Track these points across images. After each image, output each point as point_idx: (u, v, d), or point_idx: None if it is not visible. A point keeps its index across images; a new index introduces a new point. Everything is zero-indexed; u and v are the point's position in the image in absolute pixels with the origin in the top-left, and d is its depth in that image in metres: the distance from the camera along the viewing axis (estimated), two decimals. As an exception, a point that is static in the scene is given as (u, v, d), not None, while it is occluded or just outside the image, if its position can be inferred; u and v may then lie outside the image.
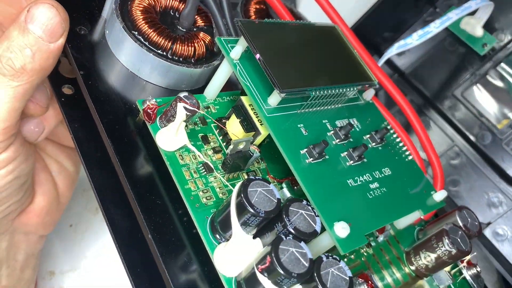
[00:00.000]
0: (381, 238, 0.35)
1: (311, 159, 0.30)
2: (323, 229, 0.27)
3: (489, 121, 0.47)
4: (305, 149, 0.30)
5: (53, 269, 0.48)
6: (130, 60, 0.34)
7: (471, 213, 0.36)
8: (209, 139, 0.32)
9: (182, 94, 0.30)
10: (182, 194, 0.29)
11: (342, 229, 0.27)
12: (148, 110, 0.31)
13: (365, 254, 0.34)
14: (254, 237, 0.26)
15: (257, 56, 0.30)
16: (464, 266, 0.37)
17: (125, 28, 0.33)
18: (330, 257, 0.26)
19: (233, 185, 0.29)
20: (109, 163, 0.30)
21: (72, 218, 0.49)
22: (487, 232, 0.43)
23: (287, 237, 0.25)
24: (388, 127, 0.36)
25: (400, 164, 0.35)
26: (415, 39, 0.43)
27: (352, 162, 0.32)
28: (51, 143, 0.41)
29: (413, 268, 0.35)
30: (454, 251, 0.32)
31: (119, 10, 0.34)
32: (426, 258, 0.34)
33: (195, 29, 0.37)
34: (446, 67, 0.50)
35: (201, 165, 0.31)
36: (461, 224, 0.34)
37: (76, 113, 0.34)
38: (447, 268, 0.36)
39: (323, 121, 0.33)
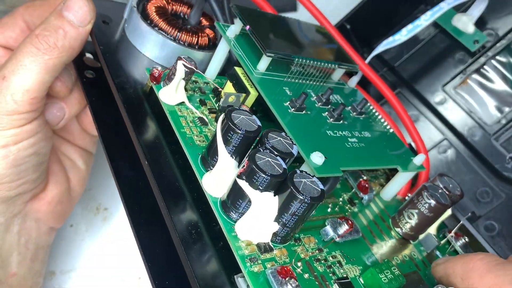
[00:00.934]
0: (365, 198, 0.37)
1: (293, 109, 0.34)
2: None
3: (479, 117, 0.48)
4: (288, 102, 0.34)
5: (54, 269, 0.49)
6: (142, 43, 0.40)
7: (452, 180, 0.37)
8: (206, 102, 0.37)
9: (182, 56, 0.35)
10: (178, 135, 0.33)
11: (318, 157, 0.30)
12: (154, 74, 0.36)
13: (349, 210, 0.36)
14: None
15: (247, 27, 0.35)
16: (452, 236, 0.38)
17: (140, 17, 0.39)
18: (305, 172, 0.28)
19: None
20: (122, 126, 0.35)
21: (73, 218, 0.50)
22: (479, 225, 0.44)
23: (265, 150, 0.28)
24: (371, 107, 0.40)
25: (380, 133, 0.38)
26: (403, 35, 0.47)
27: (332, 120, 0.35)
28: (65, 142, 0.45)
29: (398, 230, 0.36)
30: (433, 202, 0.34)
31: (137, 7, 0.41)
32: (410, 216, 0.35)
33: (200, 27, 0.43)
34: (437, 62, 0.51)
35: (197, 118, 0.35)
36: (441, 186, 0.36)
37: (95, 90, 0.40)
38: (433, 232, 0.38)
39: (308, 90, 0.37)
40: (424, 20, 0.46)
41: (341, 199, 0.36)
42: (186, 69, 0.34)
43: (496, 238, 0.43)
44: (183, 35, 0.40)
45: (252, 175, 0.27)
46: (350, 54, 0.42)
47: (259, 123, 0.30)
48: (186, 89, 0.36)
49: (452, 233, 0.38)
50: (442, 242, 0.38)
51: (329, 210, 0.35)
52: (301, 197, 0.26)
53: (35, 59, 0.35)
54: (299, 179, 0.27)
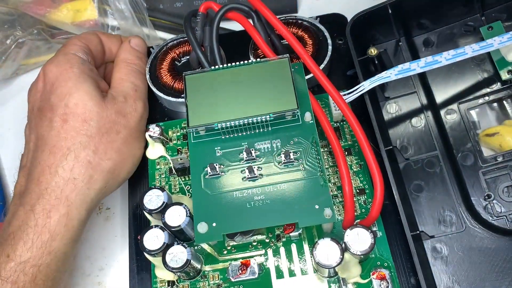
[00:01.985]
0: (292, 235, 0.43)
1: (209, 175, 0.43)
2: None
3: (479, 146, 0.45)
4: (207, 167, 0.43)
5: None
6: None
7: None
8: (182, 151, 0.49)
9: (150, 126, 0.48)
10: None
11: (201, 227, 0.40)
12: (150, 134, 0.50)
13: (273, 246, 0.44)
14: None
15: (186, 102, 0.44)
16: (374, 278, 0.41)
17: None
18: (180, 244, 0.40)
19: (185, 183, 0.47)
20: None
21: None
22: (427, 245, 0.42)
23: (156, 226, 0.41)
24: (314, 145, 0.43)
25: (305, 180, 0.42)
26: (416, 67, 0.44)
27: (248, 176, 0.42)
28: None
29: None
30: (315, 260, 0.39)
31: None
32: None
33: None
34: (464, 77, 0.48)
35: (168, 169, 0.48)
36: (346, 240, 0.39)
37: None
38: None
39: (242, 144, 0.44)
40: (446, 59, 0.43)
41: (270, 235, 0.44)
42: (151, 138, 0.47)
43: (438, 260, 0.42)
44: (177, 83, 0.51)
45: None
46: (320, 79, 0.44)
47: (165, 200, 0.42)
48: (166, 141, 0.49)
49: (376, 275, 0.41)
50: (365, 281, 0.41)
51: (250, 247, 0.44)
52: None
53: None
54: (170, 251, 0.40)
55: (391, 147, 0.46)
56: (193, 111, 0.44)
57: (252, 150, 0.43)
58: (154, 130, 0.48)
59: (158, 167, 0.49)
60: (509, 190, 0.44)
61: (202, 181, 0.43)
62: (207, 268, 0.44)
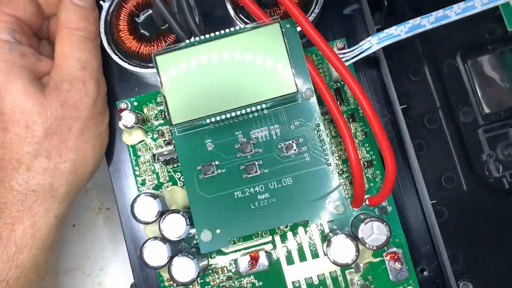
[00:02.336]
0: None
1: (203, 175, 0.38)
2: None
3: (480, 101, 0.43)
4: (200, 166, 0.38)
5: (56, 269, 0.49)
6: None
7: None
8: (164, 132, 0.43)
9: (123, 113, 0.41)
10: (133, 177, 0.43)
11: (205, 235, 0.37)
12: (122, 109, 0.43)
13: (280, 232, 0.42)
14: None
15: (162, 91, 0.37)
16: (387, 259, 0.40)
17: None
18: (185, 256, 0.37)
19: (175, 171, 0.42)
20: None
21: (75, 218, 0.50)
22: (429, 211, 0.41)
23: (155, 238, 0.38)
24: (317, 129, 0.38)
25: (311, 171, 0.38)
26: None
27: (247, 175, 0.38)
28: None
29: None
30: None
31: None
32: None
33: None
34: (466, 25, 0.43)
35: (152, 155, 0.43)
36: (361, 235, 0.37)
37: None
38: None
39: (236, 133, 0.38)
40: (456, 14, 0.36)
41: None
42: (126, 128, 0.41)
43: (443, 225, 0.41)
44: (143, 47, 0.42)
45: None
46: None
47: (159, 208, 0.38)
48: (144, 123, 0.43)
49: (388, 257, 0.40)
50: (377, 259, 0.41)
51: (255, 235, 0.42)
52: None
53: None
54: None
55: (404, 105, 0.42)
56: (174, 105, 0.37)
57: (249, 141, 0.38)
58: (128, 118, 0.41)
59: (139, 153, 0.43)
60: (510, 149, 0.42)
61: (196, 184, 0.38)
62: (214, 261, 0.42)
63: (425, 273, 0.41)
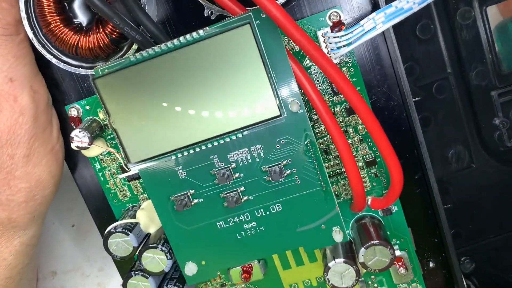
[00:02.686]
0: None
1: (177, 206, 0.33)
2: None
3: (497, 59, 0.36)
4: (174, 196, 0.33)
5: (55, 269, 0.48)
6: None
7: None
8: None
9: (73, 133, 0.34)
10: (104, 192, 0.38)
11: (190, 268, 0.34)
12: (73, 116, 0.36)
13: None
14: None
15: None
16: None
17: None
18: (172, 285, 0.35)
19: None
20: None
21: (74, 218, 0.48)
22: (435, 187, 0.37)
23: (136, 274, 0.34)
24: (308, 147, 0.31)
25: (302, 197, 0.32)
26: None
27: (227, 204, 0.32)
28: None
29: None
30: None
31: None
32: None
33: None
34: None
35: (118, 165, 0.37)
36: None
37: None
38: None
39: (211, 157, 0.32)
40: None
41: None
42: (81, 150, 0.34)
43: (447, 202, 0.39)
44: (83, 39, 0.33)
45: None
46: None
47: (134, 245, 0.34)
48: (102, 130, 0.36)
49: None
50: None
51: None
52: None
53: None
54: None
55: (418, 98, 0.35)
56: (130, 140, 0.30)
57: (227, 166, 0.32)
58: (80, 139, 0.34)
59: (104, 164, 0.37)
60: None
61: (172, 215, 0.33)
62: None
63: (431, 264, 0.39)
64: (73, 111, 0.36)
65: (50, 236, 0.47)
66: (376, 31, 0.31)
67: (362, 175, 0.36)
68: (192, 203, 0.32)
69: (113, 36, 0.32)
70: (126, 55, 0.33)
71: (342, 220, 0.33)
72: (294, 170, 0.32)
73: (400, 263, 0.37)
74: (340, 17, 0.33)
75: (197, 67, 0.28)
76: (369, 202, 0.36)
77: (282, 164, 0.31)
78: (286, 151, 0.31)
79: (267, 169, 0.31)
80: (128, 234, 0.34)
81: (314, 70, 0.34)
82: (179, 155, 0.30)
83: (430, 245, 0.38)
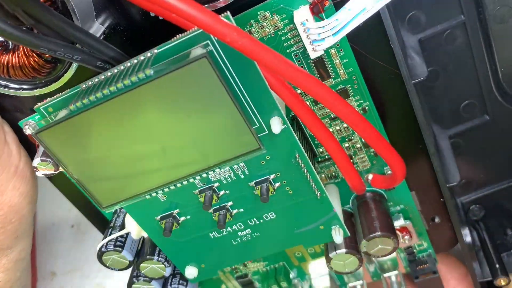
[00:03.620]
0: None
1: (163, 222, 0.31)
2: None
3: None
4: (158, 217, 0.30)
5: (55, 270, 0.47)
6: None
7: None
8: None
9: (35, 162, 0.30)
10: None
11: (191, 270, 0.34)
12: (29, 136, 0.32)
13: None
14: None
15: (70, 174, 0.26)
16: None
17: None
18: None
19: None
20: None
21: (74, 219, 0.47)
22: (445, 144, 0.34)
23: (139, 279, 0.34)
24: (296, 160, 0.28)
25: (298, 202, 0.30)
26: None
27: (216, 217, 0.30)
28: None
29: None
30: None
31: None
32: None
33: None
34: None
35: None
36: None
37: None
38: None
39: (191, 180, 0.28)
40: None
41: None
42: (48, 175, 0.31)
43: (459, 156, 0.35)
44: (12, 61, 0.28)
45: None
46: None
47: (130, 259, 0.33)
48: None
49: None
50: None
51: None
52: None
53: None
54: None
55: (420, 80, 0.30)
56: (95, 187, 0.27)
57: (210, 185, 0.29)
58: (45, 167, 0.30)
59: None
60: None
61: (162, 233, 0.31)
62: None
63: (436, 219, 0.38)
64: (28, 129, 0.31)
65: (49, 236, 0.47)
66: (367, 13, 0.25)
67: (361, 156, 0.33)
68: (180, 221, 0.30)
69: (47, 56, 0.27)
70: (67, 73, 0.27)
71: (342, 220, 0.30)
72: (284, 182, 0.28)
73: (404, 232, 0.35)
74: (323, -8, 0.26)
75: (153, 106, 0.23)
76: (369, 179, 0.33)
77: (270, 179, 0.28)
78: (273, 166, 0.28)
79: (253, 185, 0.28)
80: (120, 251, 0.32)
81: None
82: (153, 194, 0.27)
83: (436, 204, 0.36)
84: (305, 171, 0.28)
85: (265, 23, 0.27)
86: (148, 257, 0.33)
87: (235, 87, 0.24)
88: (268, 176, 0.28)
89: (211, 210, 0.30)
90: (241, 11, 0.26)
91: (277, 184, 0.28)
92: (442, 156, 0.35)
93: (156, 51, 0.23)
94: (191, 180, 0.26)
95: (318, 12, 0.26)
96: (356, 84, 0.29)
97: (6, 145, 0.31)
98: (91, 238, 0.47)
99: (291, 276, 0.40)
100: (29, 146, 0.33)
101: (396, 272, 0.37)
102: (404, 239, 0.36)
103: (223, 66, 0.23)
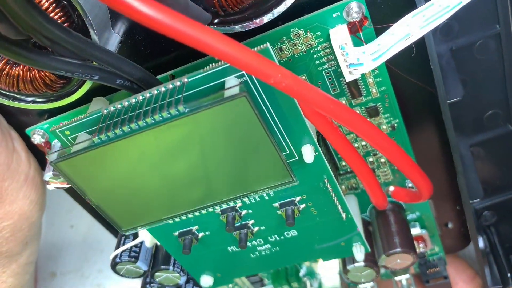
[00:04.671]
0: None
1: (182, 240, 0.30)
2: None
3: None
4: (177, 233, 0.30)
5: (55, 270, 0.47)
6: None
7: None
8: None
9: (46, 176, 0.29)
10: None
11: (206, 280, 0.33)
12: (40, 144, 0.30)
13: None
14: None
15: (89, 201, 0.25)
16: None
17: None
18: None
19: None
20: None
21: (73, 219, 0.46)
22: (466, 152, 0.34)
23: (152, 286, 0.34)
24: (325, 186, 0.27)
25: (320, 223, 0.29)
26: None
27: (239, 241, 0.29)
28: None
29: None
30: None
31: None
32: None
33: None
34: None
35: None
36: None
37: None
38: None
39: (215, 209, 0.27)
40: None
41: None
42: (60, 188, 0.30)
43: (477, 163, 0.35)
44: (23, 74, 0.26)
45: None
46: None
47: (144, 268, 0.32)
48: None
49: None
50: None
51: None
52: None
53: None
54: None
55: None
56: (116, 212, 0.25)
57: (233, 206, 0.28)
58: (58, 181, 0.29)
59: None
60: None
61: (180, 248, 0.31)
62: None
63: (449, 225, 0.38)
64: (37, 138, 0.29)
65: (49, 237, 0.46)
66: (411, 38, 0.23)
67: (384, 170, 0.32)
68: (199, 237, 0.30)
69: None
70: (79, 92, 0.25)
71: (364, 236, 0.30)
72: (310, 203, 0.28)
73: (420, 241, 0.35)
74: (363, 12, 0.24)
75: (183, 139, 0.22)
76: (390, 191, 0.33)
77: (296, 201, 0.27)
78: (299, 189, 0.27)
79: (278, 206, 0.28)
80: (135, 262, 0.32)
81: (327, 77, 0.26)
82: (177, 219, 0.26)
83: (450, 210, 0.36)
84: (333, 195, 0.27)
85: (297, 41, 0.25)
86: (163, 267, 0.32)
87: (269, 116, 0.23)
88: (293, 198, 0.27)
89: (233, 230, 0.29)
90: (273, 27, 0.24)
91: (302, 206, 0.28)
92: (465, 167, 0.35)
93: (186, 80, 0.22)
94: (217, 207, 0.25)
95: (356, 31, 0.25)
96: (387, 102, 0.28)
97: (15, 153, 0.30)
98: (91, 238, 0.47)
99: (300, 274, 0.40)
100: (37, 151, 0.31)
101: (407, 275, 0.38)
102: (419, 247, 0.36)
103: (258, 97, 0.22)
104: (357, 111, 0.28)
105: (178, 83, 0.22)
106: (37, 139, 0.29)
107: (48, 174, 0.28)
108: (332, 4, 0.24)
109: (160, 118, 0.21)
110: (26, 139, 0.31)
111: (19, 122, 0.30)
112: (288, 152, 0.25)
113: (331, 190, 0.27)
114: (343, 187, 0.33)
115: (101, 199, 0.24)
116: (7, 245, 0.32)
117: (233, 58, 0.18)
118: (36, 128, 0.29)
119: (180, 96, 0.21)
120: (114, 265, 0.32)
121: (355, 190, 0.33)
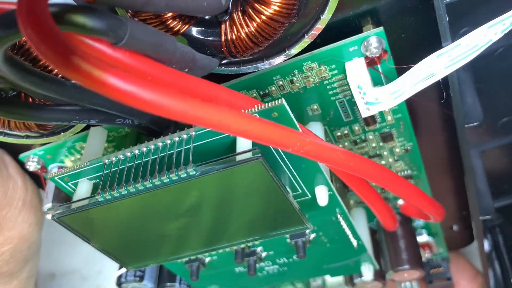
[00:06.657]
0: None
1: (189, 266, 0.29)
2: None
3: None
4: (187, 264, 0.29)
5: (54, 272, 0.46)
6: None
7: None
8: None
9: (46, 207, 0.27)
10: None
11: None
12: (36, 171, 0.29)
13: None
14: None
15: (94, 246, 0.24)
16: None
17: None
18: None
19: None
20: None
21: None
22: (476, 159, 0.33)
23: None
24: (337, 219, 0.26)
25: (329, 249, 0.28)
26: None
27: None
28: None
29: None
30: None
31: None
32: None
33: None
34: None
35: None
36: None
37: None
38: None
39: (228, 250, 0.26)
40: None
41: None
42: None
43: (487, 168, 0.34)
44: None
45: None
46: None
47: (151, 285, 0.32)
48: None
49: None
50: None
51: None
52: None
53: None
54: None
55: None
56: (121, 254, 0.24)
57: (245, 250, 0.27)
58: (55, 208, 0.27)
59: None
60: None
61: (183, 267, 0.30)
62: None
63: (454, 227, 0.38)
64: (32, 165, 0.28)
65: (48, 238, 0.43)
66: (435, 77, 0.21)
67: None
68: (206, 261, 0.29)
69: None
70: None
71: (373, 256, 0.30)
72: (321, 233, 0.27)
73: (426, 248, 0.35)
74: (383, 49, 0.22)
75: (192, 196, 0.21)
76: (399, 205, 0.32)
77: (306, 232, 0.26)
78: (311, 222, 0.26)
79: (288, 237, 0.27)
80: (141, 281, 0.31)
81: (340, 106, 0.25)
82: (184, 259, 0.25)
83: (456, 214, 0.36)
84: (345, 226, 0.26)
85: (310, 73, 0.23)
86: (169, 284, 0.32)
87: (282, 163, 0.21)
88: (304, 231, 0.26)
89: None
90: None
91: (313, 235, 0.27)
92: (475, 176, 0.34)
93: (193, 133, 0.20)
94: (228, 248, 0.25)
95: (373, 65, 0.23)
96: (402, 127, 0.27)
97: (10, 179, 0.28)
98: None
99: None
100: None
101: (411, 277, 0.38)
102: (425, 254, 0.36)
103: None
104: (371, 136, 0.27)
105: (185, 136, 0.20)
106: (32, 166, 0.28)
107: (47, 205, 0.27)
108: (349, 38, 0.22)
109: (168, 180, 0.19)
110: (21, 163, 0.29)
111: (12, 145, 0.28)
112: (301, 192, 0.23)
113: (343, 223, 0.26)
114: (351, 201, 0.32)
115: (106, 245, 0.24)
116: (7, 266, 0.32)
117: (248, 133, 0.16)
118: (30, 155, 0.28)
119: (189, 155, 0.19)
120: (119, 284, 0.32)
121: (363, 203, 0.32)
